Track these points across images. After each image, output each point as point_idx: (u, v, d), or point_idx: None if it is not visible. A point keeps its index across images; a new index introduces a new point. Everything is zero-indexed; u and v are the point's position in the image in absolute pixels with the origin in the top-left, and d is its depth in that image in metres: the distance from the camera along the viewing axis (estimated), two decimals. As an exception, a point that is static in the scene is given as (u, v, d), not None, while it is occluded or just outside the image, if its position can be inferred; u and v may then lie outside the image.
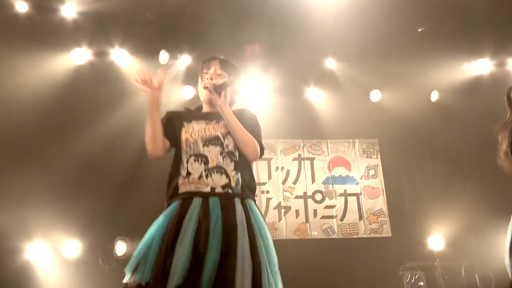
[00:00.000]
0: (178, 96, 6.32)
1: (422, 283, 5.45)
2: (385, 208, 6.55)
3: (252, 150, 2.08)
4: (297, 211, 6.43)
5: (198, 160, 2.02)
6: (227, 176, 2.00)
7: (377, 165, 6.78)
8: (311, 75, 6.38)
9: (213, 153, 2.04)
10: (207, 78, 2.19)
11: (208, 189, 1.95)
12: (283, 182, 6.56)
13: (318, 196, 6.54)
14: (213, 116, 2.17)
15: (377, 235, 6.41)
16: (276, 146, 6.74)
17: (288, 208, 6.43)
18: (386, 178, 6.72)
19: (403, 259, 5.95)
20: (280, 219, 6.35)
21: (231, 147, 2.08)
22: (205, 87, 2.16)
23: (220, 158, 2.03)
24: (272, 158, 6.67)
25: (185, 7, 5.12)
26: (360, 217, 6.50)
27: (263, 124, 7.19)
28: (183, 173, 2.02)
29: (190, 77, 6.10)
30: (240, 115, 2.17)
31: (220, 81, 2.14)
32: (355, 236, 6.40)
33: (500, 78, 6.23)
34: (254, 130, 2.17)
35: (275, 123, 6.64)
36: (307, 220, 6.40)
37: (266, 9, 5.38)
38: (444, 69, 6.10)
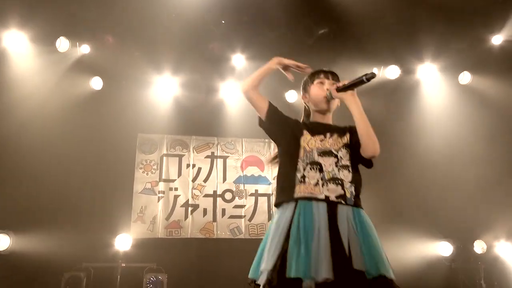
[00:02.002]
0: (87, 86, 6.15)
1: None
2: (295, 210, 6.50)
3: None
4: (205, 210, 6.31)
5: None
6: None
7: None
8: (224, 71, 6.26)
9: None
10: None
11: None
12: (193, 180, 6.43)
13: (228, 195, 6.45)
14: None
15: (285, 236, 6.36)
16: (189, 143, 6.60)
17: (196, 206, 6.30)
18: (299, 179, 6.68)
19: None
20: (186, 217, 6.22)
21: None
22: None
23: None
24: (184, 155, 6.53)
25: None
26: (269, 217, 6.44)
27: (174, 120, 7.01)
28: None
29: (94, 67, 5.93)
30: None
31: None
32: (262, 237, 6.29)
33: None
34: None
35: (189, 120, 6.55)
36: (214, 219, 6.30)
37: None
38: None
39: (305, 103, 2.31)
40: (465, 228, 5.86)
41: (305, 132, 2.12)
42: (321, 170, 2.03)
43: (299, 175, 2.01)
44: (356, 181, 2.07)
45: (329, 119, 2.24)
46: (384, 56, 6.01)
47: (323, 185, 2.00)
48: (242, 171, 6.60)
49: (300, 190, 1.99)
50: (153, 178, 6.32)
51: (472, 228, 5.87)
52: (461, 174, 5.96)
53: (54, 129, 5.72)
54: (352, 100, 2.11)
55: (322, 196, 1.98)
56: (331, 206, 1.96)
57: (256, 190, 6.55)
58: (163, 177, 6.35)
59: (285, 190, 2.04)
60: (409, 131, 6.14)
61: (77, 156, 5.89)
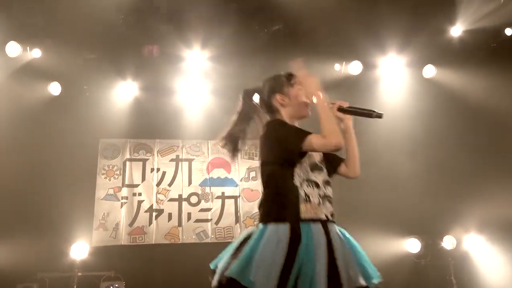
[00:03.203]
0: (45, 92, 6.00)
1: None
2: (263, 211, 6.37)
3: None
4: (170, 214, 6.16)
5: None
6: None
7: (259, 167, 6.59)
8: (184, 72, 6.13)
9: None
10: None
11: None
12: (158, 184, 6.29)
13: (194, 199, 6.31)
14: None
15: (253, 239, 6.22)
16: (153, 146, 6.46)
17: (160, 211, 6.15)
18: (267, 180, 6.54)
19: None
20: (150, 223, 6.07)
21: None
22: None
23: None
24: (148, 159, 6.39)
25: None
26: (237, 220, 6.30)
27: (137, 124, 6.80)
28: None
29: (51, 73, 5.79)
30: None
31: None
32: (230, 240, 6.14)
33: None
34: None
35: (152, 123, 6.42)
36: (180, 224, 6.15)
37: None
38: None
39: (280, 105, 2.12)
40: (434, 223, 5.75)
41: None
42: (317, 186, 1.93)
43: (302, 192, 1.87)
44: None
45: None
46: (345, 51, 5.90)
47: (323, 203, 1.91)
48: (208, 174, 6.46)
49: (306, 210, 1.85)
50: (116, 183, 6.17)
51: (441, 223, 5.75)
52: (428, 169, 5.86)
53: (12, 135, 5.60)
54: (350, 124, 2.15)
55: (323, 217, 1.88)
56: (325, 226, 1.86)
57: (223, 193, 6.41)
58: (127, 182, 6.21)
59: (290, 208, 1.85)
60: (373, 127, 6.01)
61: (36, 163, 5.75)
